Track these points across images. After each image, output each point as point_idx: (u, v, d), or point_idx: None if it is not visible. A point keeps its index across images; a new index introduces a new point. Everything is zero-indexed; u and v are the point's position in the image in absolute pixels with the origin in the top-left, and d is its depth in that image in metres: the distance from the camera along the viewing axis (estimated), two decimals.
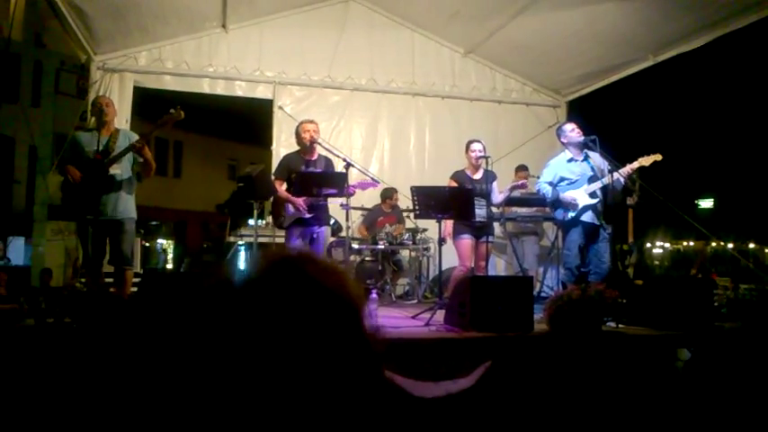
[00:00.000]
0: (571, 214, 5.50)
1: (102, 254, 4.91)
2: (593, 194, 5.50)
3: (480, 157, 5.80)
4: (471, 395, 3.89)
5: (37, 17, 7.40)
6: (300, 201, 5.35)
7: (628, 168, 5.45)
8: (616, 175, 5.39)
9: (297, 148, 5.70)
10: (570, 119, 8.66)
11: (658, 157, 5.43)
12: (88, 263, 4.94)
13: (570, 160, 5.67)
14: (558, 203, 5.63)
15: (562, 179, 5.65)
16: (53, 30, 7.19)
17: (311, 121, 5.66)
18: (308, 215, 5.37)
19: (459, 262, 5.88)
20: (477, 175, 5.95)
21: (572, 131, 5.64)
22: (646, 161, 5.44)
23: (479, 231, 5.77)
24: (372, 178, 5.92)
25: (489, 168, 5.82)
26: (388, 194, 7.54)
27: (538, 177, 7.02)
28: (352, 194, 5.35)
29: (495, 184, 5.92)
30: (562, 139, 5.75)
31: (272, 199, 5.77)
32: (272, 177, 5.62)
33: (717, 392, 3.86)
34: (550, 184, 5.68)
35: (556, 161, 5.78)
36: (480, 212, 5.55)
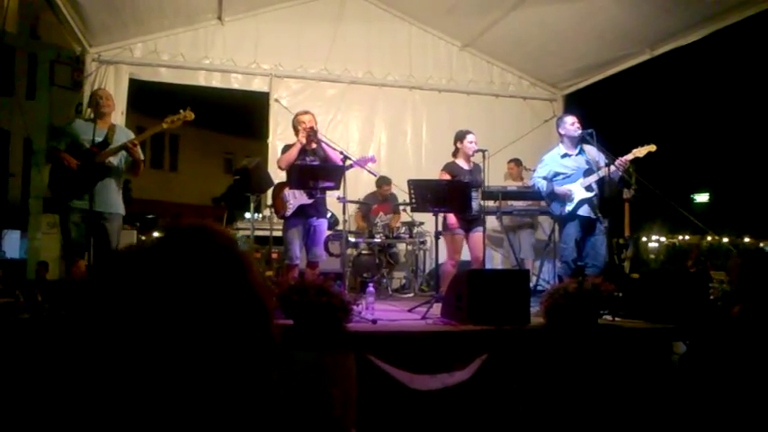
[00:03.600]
0: (568, 207, 5.51)
1: (87, 243, 4.86)
2: (588, 188, 5.52)
3: (477, 150, 5.78)
4: (468, 388, 3.90)
5: (31, 9, 7.37)
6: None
7: (623, 160, 5.47)
8: (612, 168, 5.41)
9: (293, 140, 5.66)
10: (567, 113, 8.68)
11: (653, 147, 5.44)
12: (69, 251, 4.88)
13: (564, 155, 5.68)
14: (553, 196, 5.64)
15: (557, 174, 5.66)
16: (48, 22, 7.16)
17: (306, 112, 5.60)
18: (308, 201, 5.33)
19: (447, 255, 5.87)
20: (468, 166, 5.94)
21: (572, 125, 5.64)
22: (640, 152, 5.46)
23: (470, 224, 5.77)
24: (369, 171, 5.91)
25: (479, 162, 5.80)
26: (379, 184, 7.56)
27: (533, 170, 7.05)
28: (350, 167, 5.31)
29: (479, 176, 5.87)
30: (560, 130, 5.75)
31: (271, 190, 5.76)
32: (279, 158, 5.60)
33: (713, 384, 3.88)
34: (545, 178, 5.69)
35: (550, 156, 5.79)
36: (473, 204, 5.54)
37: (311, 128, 5.41)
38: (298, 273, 5.39)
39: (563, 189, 5.53)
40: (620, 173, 5.53)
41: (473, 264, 5.81)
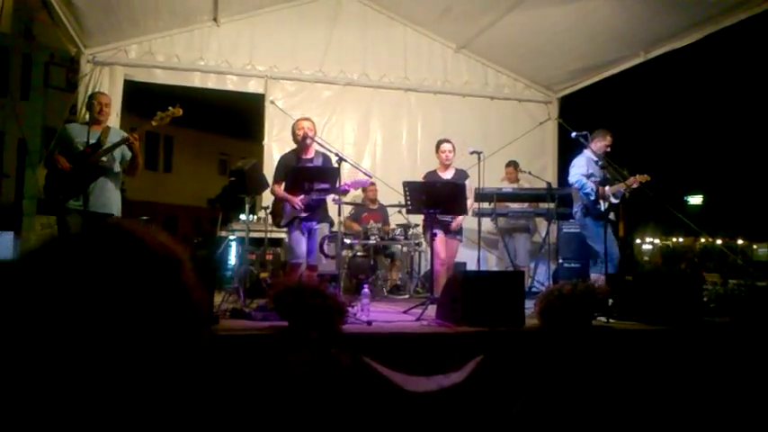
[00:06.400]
0: (603, 206, 5.75)
1: None
2: (615, 195, 5.94)
3: (472, 152, 5.80)
4: (463, 389, 3.90)
5: (26, 9, 7.34)
6: (297, 200, 5.35)
7: (623, 186, 5.93)
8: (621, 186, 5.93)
9: (289, 142, 5.72)
10: (562, 115, 8.74)
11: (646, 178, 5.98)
12: None
13: (596, 161, 5.81)
14: (592, 195, 5.76)
15: (592, 175, 5.83)
16: (43, 22, 7.13)
17: (307, 119, 5.66)
18: (303, 214, 5.39)
19: (434, 257, 5.96)
20: (448, 175, 6.04)
21: (607, 146, 6.04)
22: (636, 181, 5.98)
23: (448, 228, 5.89)
24: (365, 173, 5.94)
25: (458, 169, 5.95)
26: (363, 188, 7.60)
27: (528, 173, 7.08)
28: (346, 192, 5.37)
29: (468, 182, 5.93)
30: (592, 145, 5.88)
31: (272, 200, 5.85)
32: (272, 182, 5.66)
33: (706, 386, 3.89)
34: (585, 175, 5.89)
35: (585, 159, 5.97)
36: (442, 214, 5.66)
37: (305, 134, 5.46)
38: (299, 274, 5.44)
39: (607, 190, 5.79)
40: (623, 192, 6.01)
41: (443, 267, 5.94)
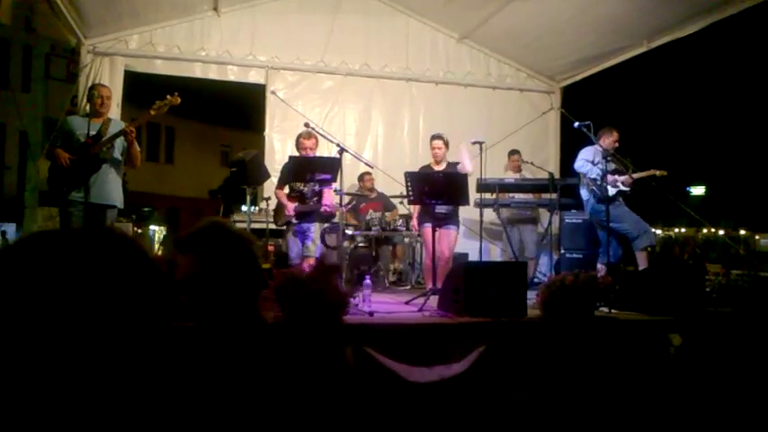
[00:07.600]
0: (612, 191, 5.98)
1: None
2: (624, 183, 6.21)
3: (476, 142, 5.76)
4: (465, 380, 3.89)
5: (26, 1, 7.31)
6: (290, 208, 5.62)
7: (630, 177, 6.14)
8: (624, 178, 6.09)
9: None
10: (564, 105, 8.70)
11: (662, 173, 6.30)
12: None
13: (603, 154, 5.83)
14: (600, 179, 5.83)
15: (598, 164, 6.01)
16: (43, 13, 7.10)
17: (311, 136, 5.77)
18: (295, 221, 5.63)
19: (425, 250, 6.04)
20: (440, 168, 5.99)
21: (615, 142, 6.22)
22: (648, 173, 6.27)
23: (439, 221, 5.77)
24: (366, 163, 5.97)
25: (450, 162, 5.92)
26: (360, 177, 7.59)
27: (531, 163, 7.07)
28: (330, 212, 5.49)
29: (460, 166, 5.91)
30: (600, 142, 5.96)
31: (275, 202, 6.07)
32: (276, 185, 5.91)
33: (708, 376, 3.88)
34: (592, 162, 6.05)
35: (594, 148, 6.07)
36: (443, 204, 5.65)
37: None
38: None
39: (615, 177, 6.07)
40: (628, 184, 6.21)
41: (438, 260, 5.75)
